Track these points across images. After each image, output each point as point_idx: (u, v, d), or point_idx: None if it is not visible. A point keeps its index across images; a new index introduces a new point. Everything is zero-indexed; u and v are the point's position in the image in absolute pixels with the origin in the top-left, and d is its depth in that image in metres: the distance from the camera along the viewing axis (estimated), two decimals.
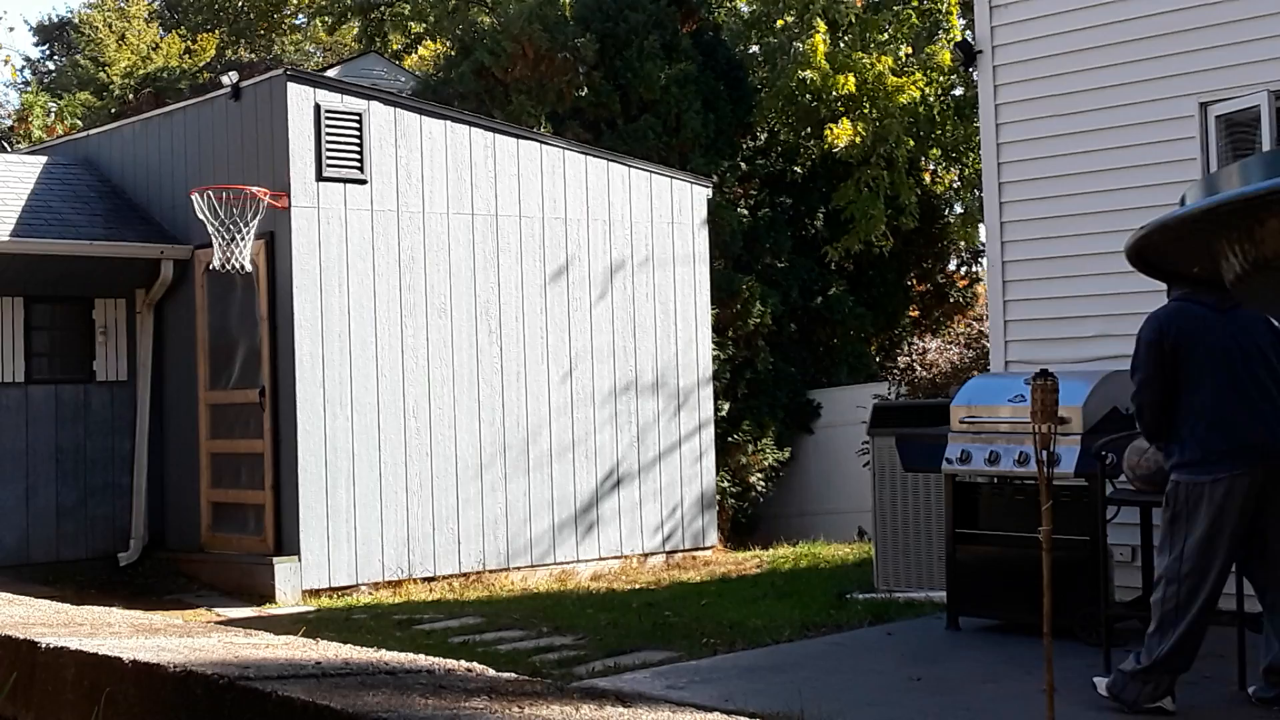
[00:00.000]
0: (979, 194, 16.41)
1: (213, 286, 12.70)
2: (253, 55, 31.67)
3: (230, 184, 12.01)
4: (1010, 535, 8.21)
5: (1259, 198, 2.18)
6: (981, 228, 17.14)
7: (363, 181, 12.28)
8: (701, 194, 14.55)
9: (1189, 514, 6.31)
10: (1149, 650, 6.37)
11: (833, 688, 7.15)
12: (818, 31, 18.41)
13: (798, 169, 19.05)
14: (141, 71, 29.74)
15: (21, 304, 12.74)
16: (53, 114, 27.86)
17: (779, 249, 17.96)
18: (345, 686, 2.36)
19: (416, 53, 28.14)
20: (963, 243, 20.51)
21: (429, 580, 12.30)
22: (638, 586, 12.19)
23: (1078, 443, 7.73)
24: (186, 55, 31.58)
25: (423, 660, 2.68)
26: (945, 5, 20.05)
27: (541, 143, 13.57)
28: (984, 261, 15.32)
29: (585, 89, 17.27)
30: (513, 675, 2.54)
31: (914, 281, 20.67)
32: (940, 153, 19.97)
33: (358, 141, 12.27)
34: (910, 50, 19.63)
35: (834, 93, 18.31)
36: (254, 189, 11.83)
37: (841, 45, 19.14)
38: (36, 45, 37.83)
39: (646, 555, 13.74)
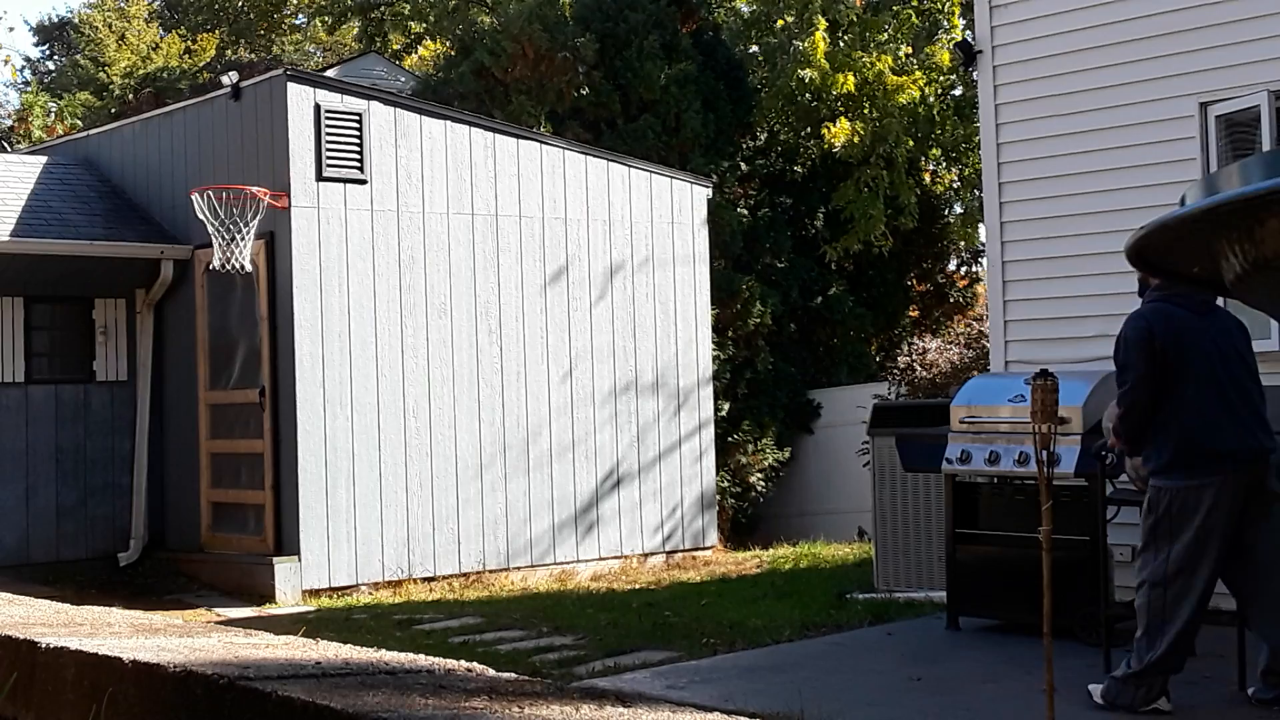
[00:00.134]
0: (979, 194, 16.41)
1: (213, 286, 12.70)
2: (253, 55, 31.67)
3: (230, 184, 12.01)
4: (1010, 535, 8.21)
5: (1259, 198, 2.18)
6: (981, 228, 17.15)
7: (363, 181, 12.28)
8: (701, 194, 14.55)
9: (1175, 519, 6.31)
10: (1139, 655, 6.38)
11: (833, 688, 7.15)
12: (817, 29, 18.41)
13: (798, 169, 19.05)
14: (141, 71, 29.75)
15: (21, 304, 12.74)
16: (53, 114, 27.86)
17: (779, 249, 17.96)
18: (345, 686, 2.36)
19: (416, 53, 28.13)
20: (963, 243, 20.51)
21: (429, 580, 12.30)
22: (638, 586, 12.19)
23: (1078, 443, 7.73)
24: (186, 55, 31.59)
25: (423, 660, 2.68)
26: (945, 5, 20.06)
27: (541, 143, 13.57)
28: (984, 261, 15.32)
29: (585, 89, 17.27)
30: (513, 675, 2.54)
31: (914, 281, 20.67)
32: (940, 153, 19.97)
33: (358, 141, 12.27)
34: (910, 50, 19.63)
35: (834, 92, 18.31)
36: (254, 189, 11.83)
37: (841, 45, 19.14)
38: (36, 45, 37.85)
39: (646, 555, 13.74)
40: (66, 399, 12.91)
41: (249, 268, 11.91)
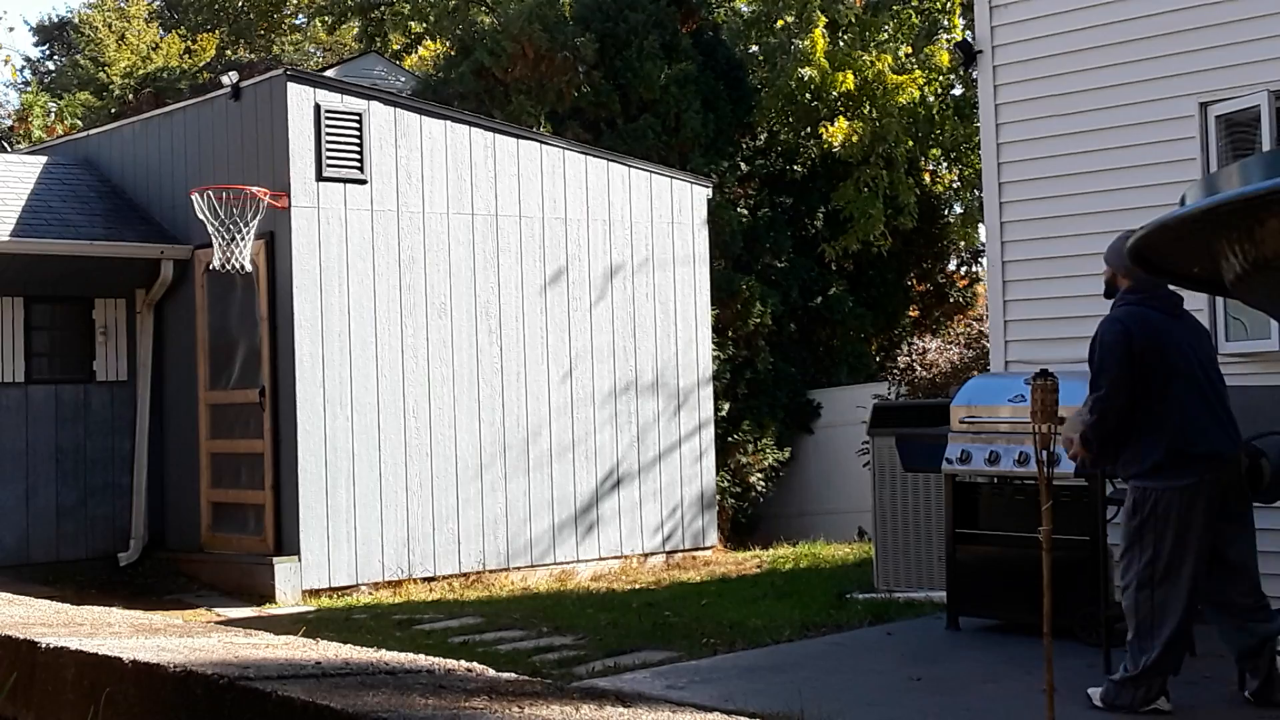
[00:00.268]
0: (979, 194, 16.41)
1: (213, 286, 12.70)
2: (253, 55, 31.67)
3: (230, 184, 12.01)
4: (1010, 535, 8.20)
5: (1259, 198, 2.18)
6: (981, 228, 17.15)
7: (363, 181, 12.28)
8: (701, 194, 14.55)
9: (1159, 520, 6.34)
10: (1134, 658, 6.39)
11: (833, 688, 7.15)
12: (817, 26, 18.42)
13: (797, 169, 19.05)
14: (141, 71, 29.75)
15: (21, 304, 12.74)
16: (53, 114, 27.86)
17: (779, 249, 17.96)
18: (345, 686, 2.36)
19: (416, 53, 28.14)
20: (963, 243, 20.51)
21: (429, 580, 12.30)
22: (638, 586, 12.19)
23: None
24: (186, 55, 31.59)
25: (423, 660, 2.68)
26: (945, 5, 20.06)
27: (541, 143, 13.57)
28: (984, 261, 15.32)
29: (585, 89, 17.27)
30: (513, 675, 2.54)
31: (914, 281, 20.67)
32: (940, 152, 19.97)
33: (358, 141, 12.27)
34: (910, 50, 19.63)
35: (833, 91, 18.31)
36: (254, 189, 11.83)
37: (841, 44, 19.15)
38: (36, 45, 37.85)
39: (646, 555, 13.74)
40: (66, 399, 12.91)
41: (249, 268, 11.91)
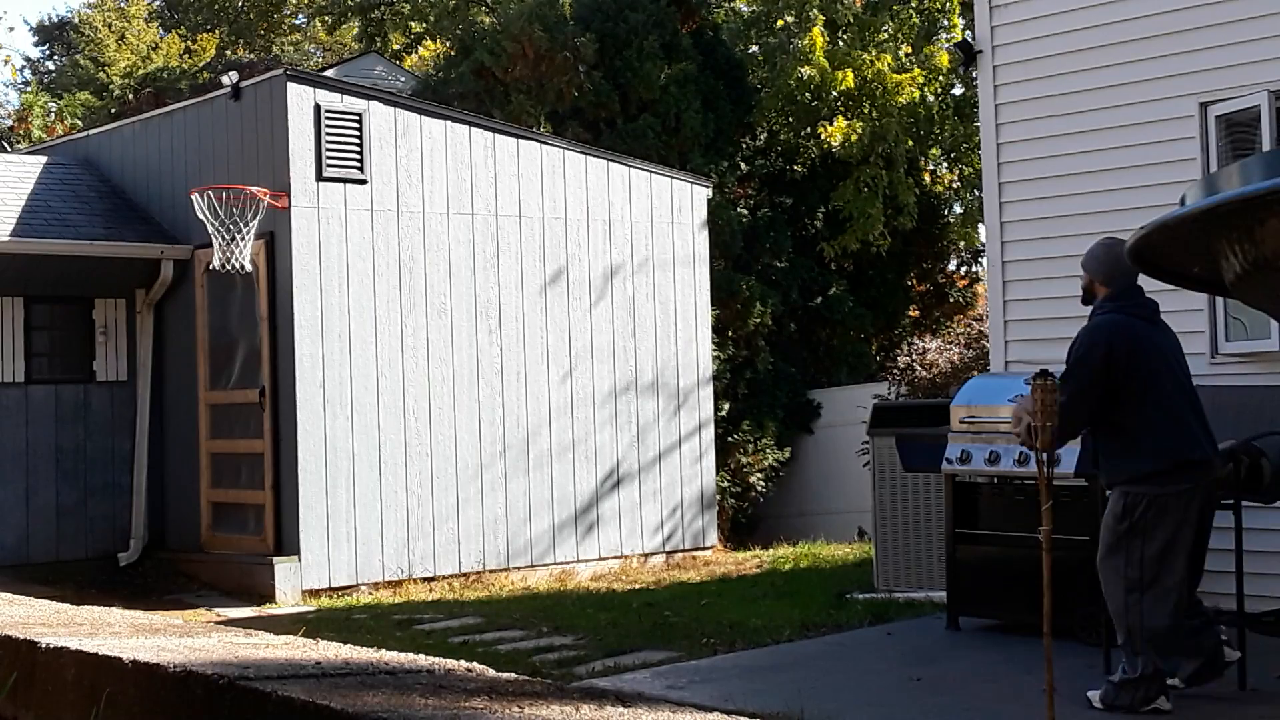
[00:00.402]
0: (979, 194, 16.41)
1: (213, 286, 12.70)
2: (253, 55, 31.67)
3: (230, 184, 12.01)
4: (1010, 535, 8.20)
5: (1259, 198, 2.18)
6: (981, 228, 17.15)
7: (363, 181, 12.28)
8: (701, 194, 14.55)
9: (1150, 525, 6.34)
10: (1130, 661, 6.39)
11: (833, 688, 7.15)
12: (815, 26, 18.43)
13: (797, 168, 19.05)
14: (141, 71, 29.75)
15: (21, 304, 12.74)
16: (53, 114, 27.86)
17: (779, 249, 17.96)
18: (345, 686, 2.36)
19: (416, 53, 28.15)
20: (963, 243, 20.51)
21: (429, 580, 12.30)
22: (638, 586, 12.19)
23: (1078, 443, 7.72)
24: (186, 55, 31.59)
25: (423, 660, 2.68)
26: (944, 4, 20.05)
27: (541, 143, 13.57)
28: (984, 261, 15.32)
29: (585, 89, 17.27)
30: (513, 675, 2.55)
31: (914, 281, 20.67)
32: (940, 152, 19.97)
33: (358, 141, 12.27)
34: (910, 49, 19.63)
35: (833, 90, 18.31)
36: (254, 189, 11.83)
37: (841, 43, 19.15)
38: (36, 45, 37.84)
39: (646, 555, 13.74)
40: (66, 399, 12.91)
41: (249, 268, 11.91)
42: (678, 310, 14.12)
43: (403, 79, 21.41)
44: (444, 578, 12.39)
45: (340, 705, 2.18)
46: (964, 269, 21.84)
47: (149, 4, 35.00)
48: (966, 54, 10.24)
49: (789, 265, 18.07)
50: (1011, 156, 9.74)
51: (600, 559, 13.41)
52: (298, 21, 36.04)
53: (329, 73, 20.14)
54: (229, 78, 12.62)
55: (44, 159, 14.30)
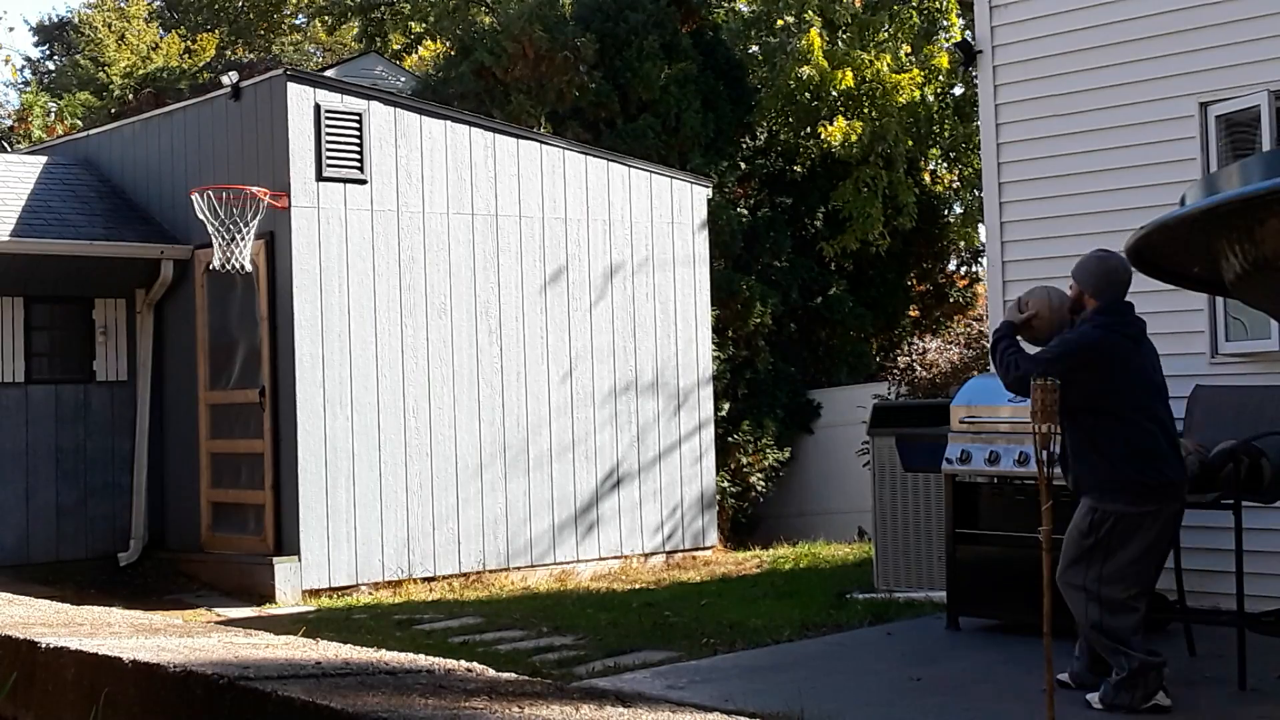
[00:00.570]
0: (979, 194, 16.41)
1: (213, 286, 12.70)
2: (253, 55, 31.67)
3: (230, 184, 12.01)
4: (1010, 535, 8.20)
5: (1259, 198, 2.18)
6: (981, 228, 17.15)
7: (363, 181, 12.28)
8: (701, 194, 14.56)
9: (1115, 543, 6.40)
10: (1117, 662, 6.40)
11: (833, 688, 7.15)
12: (813, 27, 18.43)
13: (797, 169, 19.05)
14: (141, 71, 29.76)
15: (21, 304, 12.74)
16: (53, 114, 27.86)
17: (779, 249, 17.97)
18: (345, 686, 2.36)
19: (416, 53, 28.14)
20: (962, 243, 20.51)
21: (429, 580, 12.30)
22: (638, 586, 12.19)
23: None
24: (186, 55, 31.60)
25: (423, 660, 2.68)
26: (943, 4, 20.05)
27: (541, 143, 13.57)
28: (984, 261, 15.32)
29: (585, 89, 17.27)
30: (513, 675, 2.55)
31: (914, 281, 20.67)
32: (940, 152, 19.97)
33: (358, 141, 12.27)
34: (909, 49, 19.63)
35: (833, 90, 18.31)
36: (254, 189, 11.83)
37: (840, 43, 19.15)
38: (36, 45, 37.85)
39: (646, 555, 13.74)
40: (66, 399, 12.91)
41: (249, 268, 11.91)
42: (678, 310, 14.12)
43: (403, 79, 21.41)
44: (444, 578, 12.39)
45: (340, 705, 2.18)
46: (964, 269, 21.85)
47: (149, 4, 35.01)
48: (966, 54, 10.23)
49: (789, 265, 18.07)
50: (1011, 156, 9.74)
51: (600, 559, 13.41)
52: (298, 21, 36.04)
53: (329, 73, 20.14)
54: (229, 78, 12.62)
55: (44, 159, 14.30)
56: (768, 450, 16.98)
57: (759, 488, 16.95)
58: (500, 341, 12.92)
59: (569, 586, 12.47)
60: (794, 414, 17.54)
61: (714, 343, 15.19)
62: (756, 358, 17.10)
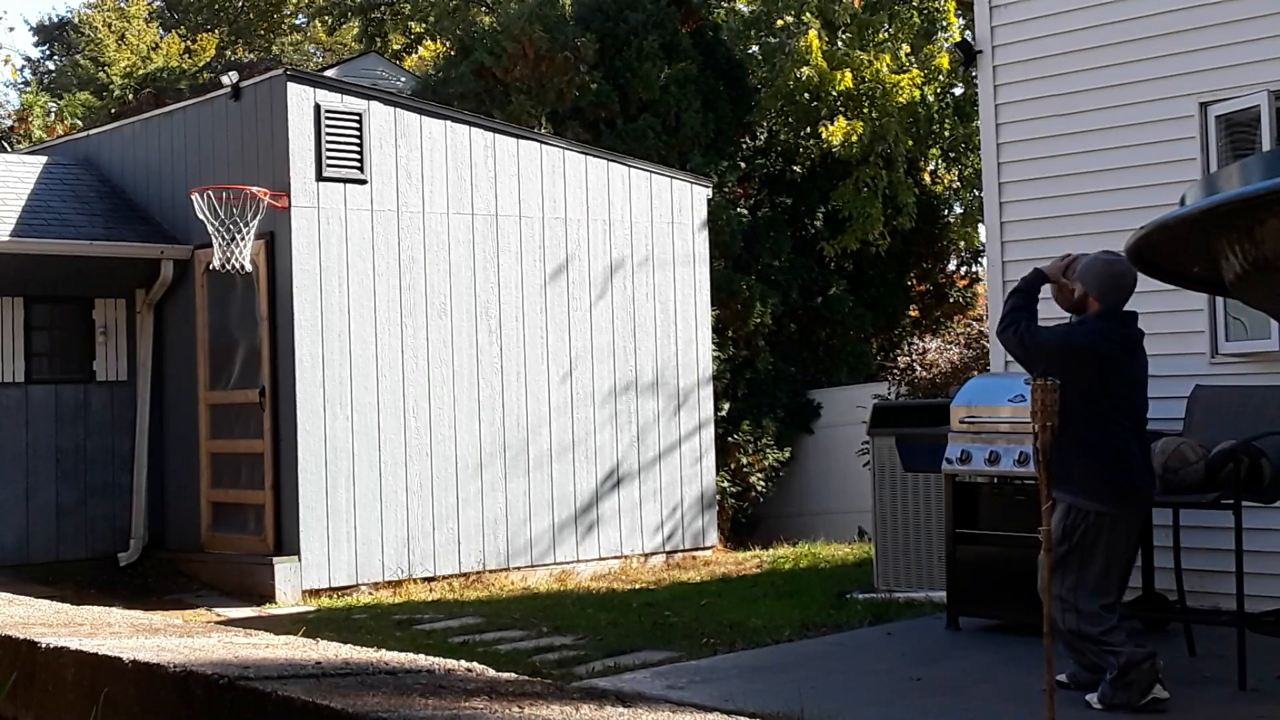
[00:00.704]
0: (979, 194, 16.41)
1: (213, 286, 12.70)
2: (253, 55, 31.68)
3: (230, 184, 12.01)
4: (1010, 535, 8.20)
5: (1259, 198, 2.18)
6: (981, 228, 17.14)
7: (363, 181, 12.28)
8: (701, 194, 14.56)
9: (1089, 547, 6.48)
10: (1106, 664, 6.42)
11: (833, 688, 7.15)
12: (811, 29, 18.43)
13: (797, 169, 19.05)
14: (141, 71, 29.76)
15: (21, 304, 12.74)
16: (53, 114, 27.86)
17: (779, 249, 17.97)
18: (345, 686, 2.36)
19: (416, 53, 28.15)
20: (962, 243, 20.51)
21: (429, 580, 12.30)
22: (638, 586, 12.19)
23: None
24: (186, 55, 31.60)
25: (423, 660, 2.68)
26: (943, 3, 20.05)
27: (541, 143, 13.57)
28: (984, 261, 15.32)
29: (585, 89, 17.27)
30: (513, 675, 2.55)
31: (914, 281, 20.66)
32: (940, 152, 19.97)
33: (358, 141, 12.27)
34: (909, 49, 19.63)
35: (832, 91, 18.31)
36: (254, 189, 11.83)
37: (840, 44, 19.15)
38: (36, 45, 37.85)
39: (646, 555, 13.74)
40: (66, 399, 12.91)
41: (249, 268, 11.91)
42: (678, 310, 14.12)
43: (403, 79, 21.40)
44: (444, 578, 12.39)
45: (340, 705, 2.18)
46: (964, 269, 21.85)
47: (149, 4, 35.01)
48: (966, 54, 10.23)
49: (789, 265, 18.07)
50: (1011, 156, 9.74)
51: (600, 559, 13.41)
52: (298, 21, 36.04)
53: (329, 73, 20.14)
54: (229, 78, 12.62)
55: (44, 159, 14.30)
56: (768, 450, 16.98)
57: (759, 488, 16.95)
58: (500, 341, 12.92)
59: (569, 586, 12.48)
60: (794, 414, 17.54)
61: (714, 343, 15.19)
62: (756, 358, 17.10)
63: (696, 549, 14.09)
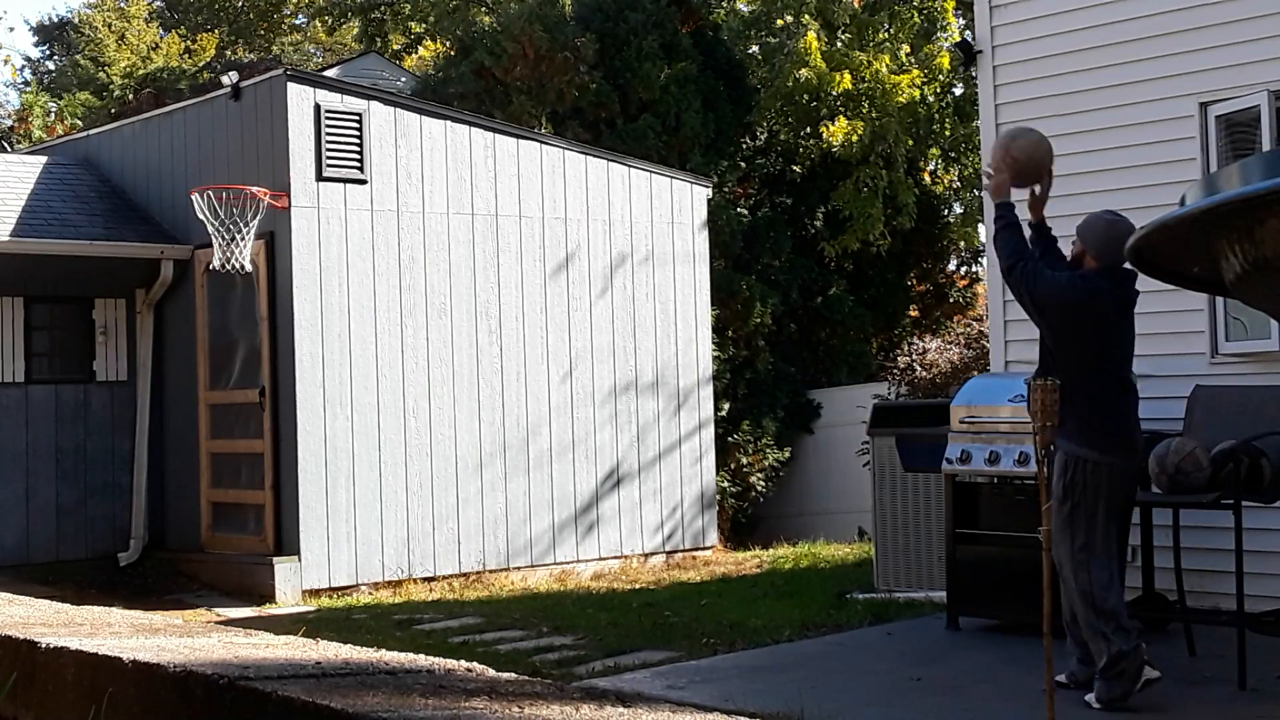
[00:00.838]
0: (979, 194, 16.41)
1: (213, 286, 12.70)
2: (253, 55, 31.67)
3: (230, 184, 12.01)
4: (1010, 535, 8.20)
5: (1259, 198, 2.18)
6: (981, 228, 17.14)
7: (363, 181, 12.28)
8: (701, 194, 14.56)
9: (1090, 502, 6.51)
10: (1096, 649, 6.41)
11: (833, 688, 7.15)
12: (809, 30, 18.43)
13: (797, 169, 19.05)
14: (141, 71, 29.76)
15: (21, 304, 12.74)
16: (53, 114, 27.87)
17: (779, 249, 17.97)
18: (345, 686, 2.36)
19: (416, 53, 28.15)
20: (962, 243, 20.51)
21: (429, 580, 12.30)
22: (638, 586, 12.19)
23: None
24: (186, 55, 31.61)
25: (423, 660, 2.68)
26: (943, 2, 20.05)
27: (541, 143, 13.57)
28: (984, 261, 15.32)
29: (585, 89, 17.27)
30: (513, 675, 2.55)
31: (914, 281, 20.67)
32: (939, 152, 19.97)
33: (358, 141, 12.27)
34: (909, 49, 19.63)
35: (832, 91, 18.31)
36: (254, 189, 11.83)
37: (840, 44, 19.15)
38: (36, 45, 37.84)
39: (647, 555, 13.74)
40: (66, 399, 12.91)
41: (249, 268, 11.91)
42: (678, 310, 14.13)
43: (403, 79, 21.40)
44: (444, 578, 12.39)
45: (340, 705, 2.18)
46: (964, 269, 21.85)
47: (149, 4, 35.01)
48: (966, 54, 10.23)
49: (789, 265, 18.07)
50: None
51: (600, 559, 13.41)
52: (298, 21, 36.04)
53: (329, 73, 20.14)
54: (229, 78, 12.62)
55: (44, 159, 14.30)
56: (768, 450, 16.98)
57: (759, 488, 16.95)
58: (500, 341, 12.92)
59: (569, 586, 12.48)
60: (794, 414, 17.54)
61: (714, 343, 15.19)
62: (756, 358, 17.10)
63: (696, 549, 14.09)
